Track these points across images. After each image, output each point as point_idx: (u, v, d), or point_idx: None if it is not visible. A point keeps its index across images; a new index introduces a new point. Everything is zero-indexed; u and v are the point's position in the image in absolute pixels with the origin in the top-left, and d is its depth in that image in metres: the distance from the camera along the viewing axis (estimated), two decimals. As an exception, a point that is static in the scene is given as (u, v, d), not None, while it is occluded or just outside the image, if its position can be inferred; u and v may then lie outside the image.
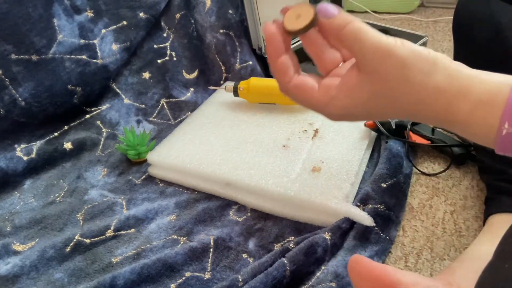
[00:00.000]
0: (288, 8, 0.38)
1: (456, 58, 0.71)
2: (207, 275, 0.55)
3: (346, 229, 0.57)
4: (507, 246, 0.28)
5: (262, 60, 0.93)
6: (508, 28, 0.55)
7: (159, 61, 0.88)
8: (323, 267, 0.53)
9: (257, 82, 0.80)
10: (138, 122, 0.84)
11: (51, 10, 0.74)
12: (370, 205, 0.59)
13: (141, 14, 0.84)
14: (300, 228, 0.60)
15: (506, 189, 0.56)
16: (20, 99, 0.72)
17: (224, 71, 0.91)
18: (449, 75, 0.32)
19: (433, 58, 0.33)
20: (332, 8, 0.35)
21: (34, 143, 0.75)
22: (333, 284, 0.50)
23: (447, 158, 0.70)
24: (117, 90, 0.84)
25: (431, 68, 0.32)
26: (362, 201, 0.60)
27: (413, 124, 0.71)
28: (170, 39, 0.89)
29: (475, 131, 0.31)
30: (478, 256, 0.49)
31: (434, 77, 0.32)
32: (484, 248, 0.50)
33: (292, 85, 0.38)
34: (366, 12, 1.25)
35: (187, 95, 0.89)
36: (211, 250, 0.58)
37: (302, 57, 1.11)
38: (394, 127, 0.71)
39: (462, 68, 0.32)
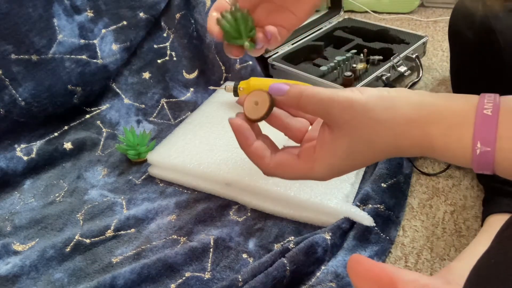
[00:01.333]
0: (244, 98, 0.40)
1: (451, 59, 0.72)
2: (207, 275, 0.55)
3: (346, 229, 0.57)
4: (502, 240, 0.29)
5: (262, 60, 0.93)
6: (500, 32, 0.57)
7: (159, 61, 0.88)
8: (323, 267, 0.54)
9: (257, 82, 0.79)
10: (138, 122, 0.84)
11: (51, 10, 0.74)
12: (370, 205, 0.59)
13: (141, 14, 0.84)
14: (300, 228, 0.60)
15: (502, 190, 0.56)
16: (20, 99, 0.72)
17: (224, 71, 0.91)
18: (414, 105, 0.33)
19: (392, 96, 0.34)
20: (282, 85, 0.37)
21: (34, 143, 0.75)
22: (333, 284, 0.50)
23: (447, 158, 0.70)
24: (117, 90, 0.84)
25: (393, 104, 0.34)
26: (362, 201, 0.60)
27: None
28: (170, 39, 0.89)
29: (453, 154, 0.32)
30: (476, 255, 0.49)
31: (400, 110, 0.33)
32: (482, 248, 0.50)
33: (273, 165, 0.39)
34: (366, 12, 1.25)
35: (187, 95, 0.89)
36: (211, 250, 0.58)
37: (302, 56, 1.10)
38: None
39: (424, 97, 0.34)
